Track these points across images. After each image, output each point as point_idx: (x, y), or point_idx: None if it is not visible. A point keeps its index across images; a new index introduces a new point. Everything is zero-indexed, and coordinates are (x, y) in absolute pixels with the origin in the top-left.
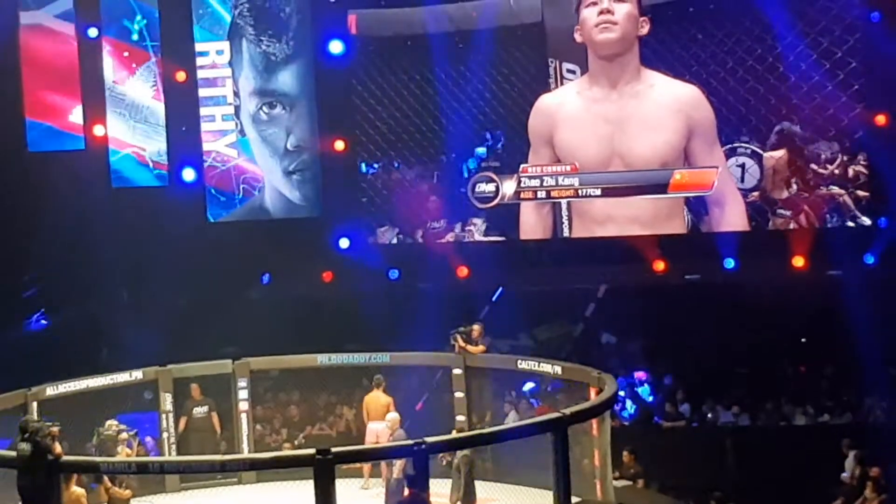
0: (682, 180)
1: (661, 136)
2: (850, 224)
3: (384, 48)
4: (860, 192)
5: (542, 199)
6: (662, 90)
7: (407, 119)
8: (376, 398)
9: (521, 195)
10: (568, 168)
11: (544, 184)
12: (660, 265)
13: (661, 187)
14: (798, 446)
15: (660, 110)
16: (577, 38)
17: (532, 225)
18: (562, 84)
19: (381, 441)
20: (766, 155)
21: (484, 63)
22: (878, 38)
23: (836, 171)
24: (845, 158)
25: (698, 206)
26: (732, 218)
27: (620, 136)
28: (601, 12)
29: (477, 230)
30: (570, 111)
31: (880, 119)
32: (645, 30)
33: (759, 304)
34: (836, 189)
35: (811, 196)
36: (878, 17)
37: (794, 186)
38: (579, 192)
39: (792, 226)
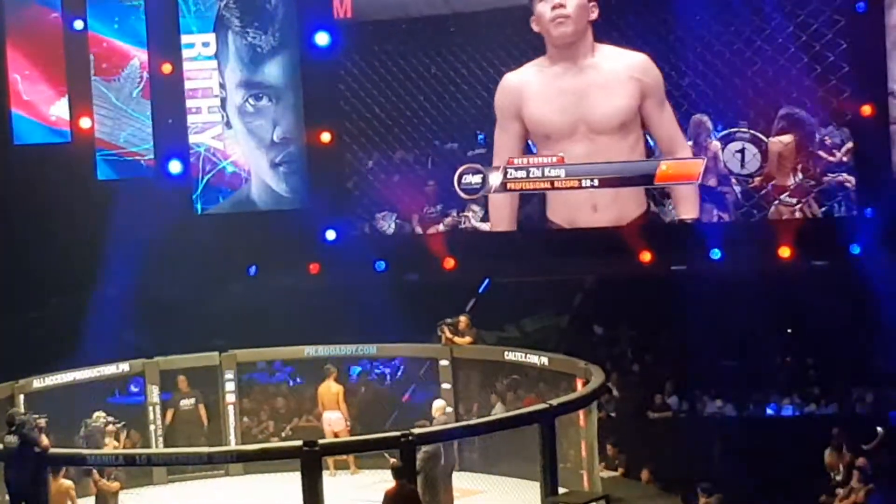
0: (669, 171)
1: (617, 100)
2: (856, 213)
3: (379, 31)
4: None
5: (530, 190)
6: (615, 61)
7: (404, 103)
8: (328, 388)
9: (508, 186)
10: (554, 160)
11: (531, 175)
12: (646, 256)
13: (647, 178)
14: (785, 437)
15: (614, 78)
16: (534, 27)
17: (502, 216)
18: None
19: (335, 431)
20: (772, 140)
21: (479, 46)
22: (862, 29)
23: (844, 159)
24: (852, 145)
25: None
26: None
27: (583, 104)
28: (554, 7)
29: (474, 216)
30: (534, 87)
31: (866, 109)
32: (594, 14)
33: (746, 295)
34: (844, 176)
35: (818, 183)
36: (863, 8)
37: (801, 174)
38: (566, 183)
39: (798, 215)
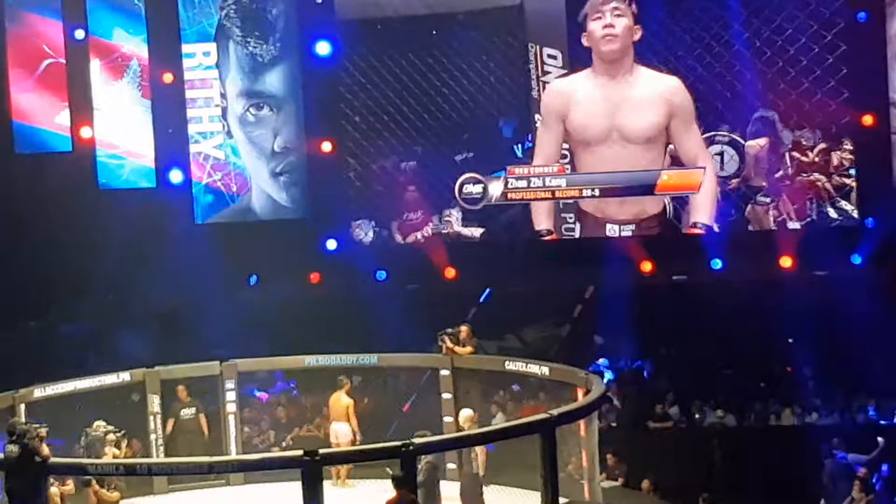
0: (670, 181)
1: (648, 117)
2: (831, 211)
3: (356, 32)
4: (843, 180)
5: (530, 200)
6: (650, 81)
7: (379, 107)
8: (338, 399)
9: (509, 196)
10: (555, 169)
11: (531, 185)
12: (647, 266)
13: (648, 188)
14: (786, 447)
15: (648, 97)
16: (585, 43)
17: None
18: (543, 69)
19: (341, 443)
20: (748, 143)
21: (460, 49)
22: (862, 38)
23: (817, 159)
24: (825, 146)
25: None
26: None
27: (618, 116)
28: (605, 27)
29: (456, 221)
30: (581, 94)
31: (867, 119)
32: (637, 36)
33: (747, 305)
34: (816, 176)
35: (792, 183)
36: (864, 18)
37: (775, 174)
38: (566, 193)
39: (772, 213)
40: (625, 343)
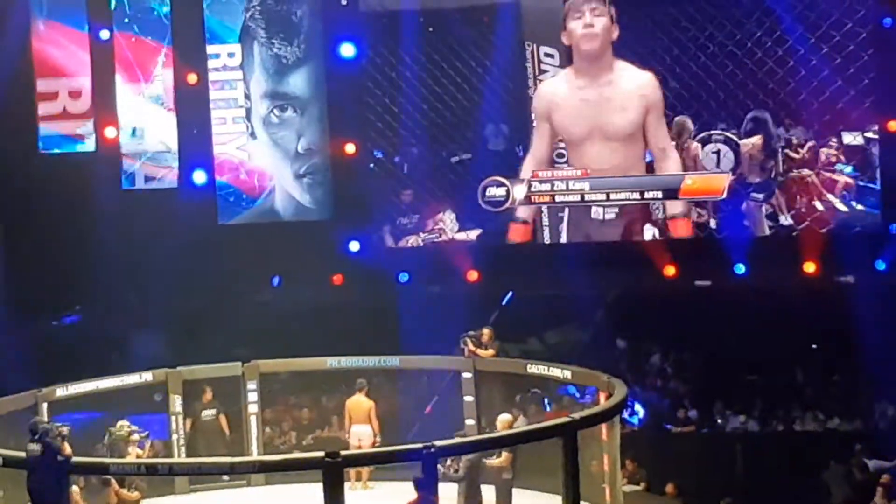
0: (694, 185)
1: (627, 115)
2: (818, 204)
3: (379, 26)
4: (830, 175)
5: (555, 203)
6: (628, 78)
7: (367, 106)
8: (358, 402)
9: (533, 199)
10: (578, 173)
11: (555, 188)
12: (670, 270)
13: (672, 192)
14: (808, 452)
15: (626, 95)
16: (565, 41)
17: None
18: (540, 68)
19: (363, 445)
20: (742, 142)
21: (455, 46)
22: (888, 43)
23: (807, 155)
24: (813, 143)
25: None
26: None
27: (599, 115)
28: (585, 26)
29: (451, 230)
30: (562, 97)
31: (893, 125)
32: (615, 35)
33: (770, 310)
34: (805, 171)
35: (784, 179)
36: (890, 23)
37: (767, 171)
38: (592, 196)
39: (765, 209)
40: (647, 347)
